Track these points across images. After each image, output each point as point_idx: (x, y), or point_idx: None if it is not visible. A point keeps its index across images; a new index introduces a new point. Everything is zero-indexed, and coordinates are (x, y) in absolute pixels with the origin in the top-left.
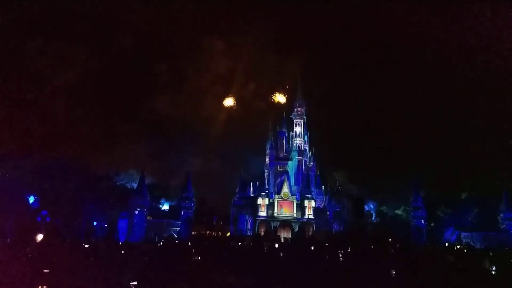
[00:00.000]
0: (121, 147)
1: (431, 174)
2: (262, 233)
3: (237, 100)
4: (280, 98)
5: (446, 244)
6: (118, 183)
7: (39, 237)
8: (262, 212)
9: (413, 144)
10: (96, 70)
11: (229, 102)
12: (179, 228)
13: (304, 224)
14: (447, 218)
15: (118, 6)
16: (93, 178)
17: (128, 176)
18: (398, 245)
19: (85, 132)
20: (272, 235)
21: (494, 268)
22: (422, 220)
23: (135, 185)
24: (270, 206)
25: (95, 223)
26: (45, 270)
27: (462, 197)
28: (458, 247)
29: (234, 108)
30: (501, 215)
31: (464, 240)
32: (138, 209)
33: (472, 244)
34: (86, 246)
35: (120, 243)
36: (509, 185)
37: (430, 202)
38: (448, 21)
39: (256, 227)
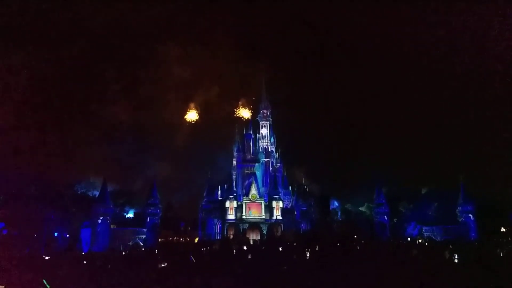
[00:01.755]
0: (80, 155)
1: (392, 171)
2: (231, 236)
3: (201, 105)
4: (244, 113)
5: (409, 239)
6: (79, 192)
7: None
8: (231, 215)
9: (374, 142)
10: (46, 75)
11: (192, 106)
12: (145, 236)
13: (272, 225)
14: (409, 213)
15: (71, 10)
16: (52, 187)
17: (90, 184)
18: (363, 241)
19: (39, 140)
20: (241, 238)
21: (456, 257)
22: (385, 216)
23: (97, 193)
24: (239, 208)
25: (56, 234)
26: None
27: (422, 192)
28: (420, 241)
29: (198, 112)
30: (459, 208)
31: (425, 234)
32: (101, 218)
33: (433, 237)
34: (46, 258)
35: (83, 253)
36: (466, 179)
37: (392, 198)
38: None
39: (225, 231)
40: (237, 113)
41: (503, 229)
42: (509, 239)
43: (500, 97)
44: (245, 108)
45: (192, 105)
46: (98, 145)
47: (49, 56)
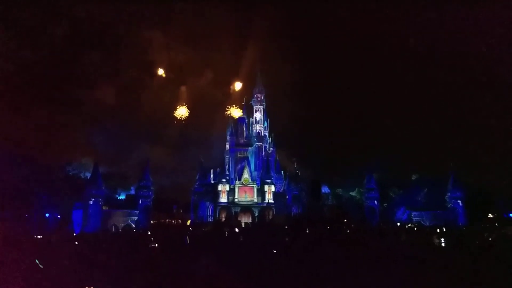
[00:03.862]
0: (71, 136)
1: (383, 157)
2: (223, 219)
3: (194, 88)
4: (238, 85)
5: (398, 224)
6: (71, 173)
7: None
8: (223, 199)
9: (367, 128)
10: (31, 59)
11: (184, 89)
12: (137, 218)
13: (264, 208)
14: (399, 199)
15: None
16: (43, 168)
17: (81, 165)
18: (353, 225)
19: (27, 121)
20: (233, 221)
21: (443, 241)
22: (375, 201)
23: (89, 175)
24: (231, 192)
25: (47, 215)
26: None
27: (413, 178)
28: (409, 225)
29: (191, 96)
30: (448, 194)
31: (414, 219)
32: (93, 199)
33: (422, 222)
34: (39, 237)
35: (74, 234)
36: (456, 166)
37: (383, 184)
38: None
39: (217, 214)
40: (232, 87)
41: (490, 215)
42: (496, 225)
43: (490, 87)
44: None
45: (184, 88)
46: (90, 127)
47: (34, 40)
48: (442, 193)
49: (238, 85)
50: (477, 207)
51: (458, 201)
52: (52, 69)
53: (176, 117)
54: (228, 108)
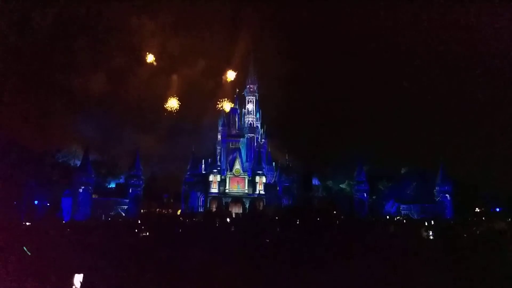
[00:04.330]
0: (61, 124)
1: (373, 150)
2: (214, 209)
3: (186, 77)
4: (231, 75)
5: (387, 217)
6: (60, 160)
7: None
8: (214, 189)
9: (358, 122)
10: (18, 46)
11: (175, 78)
12: (127, 206)
13: (255, 199)
14: (388, 192)
15: None
16: (32, 156)
17: (71, 153)
18: (342, 216)
19: (16, 109)
20: (224, 211)
21: (431, 233)
22: (365, 194)
23: (78, 163)
24: (222, 182)
25: (36, 202)
26: None
27: (402, 171)
28: (398, 218)
29: (182, 85)
30: (437, 188)
31: (403, 212)
32: (83, 187)
33: (410, 215)
34: (28, 224)
35: (64, 222)
36: (445, 160)
37: (373, 177)
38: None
39: (208, 204)
40: (225, 77)
41: (477, 210)
42: (483, 218)
43: (479, 82)
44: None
45: (175, 77)
46: (79, 114)
47: (21, 27)
48: (430, 187)
49: (230, 74)
50: (465, 201)
51: (446, 195)
52: (40, 56)
53: (166, 109)
54: (220, 101)
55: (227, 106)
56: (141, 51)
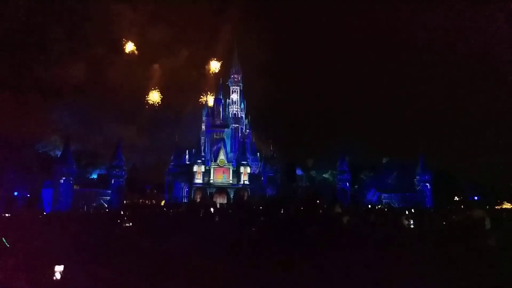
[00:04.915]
0: (39, 115)
1: (356, 141)
2: (198, 200)
3: (168, 67)
4: (214, 65)
5: (369, 206)
6: (40, 151)
7: None
8: (198, 179)
9: (340, 113)
10: None
11: (156, 68)
12: (109, 197)
13: (239, 189)
14: (369, 181)
15: None
16: (11, 146)
17: (51, 143)
18: (325, 205)
19: None
20: (208, 201)
21: (412, 222)
22: (347, 183)
23: (59, 153)
24: (206, 173)
25: (16, 193)
26: None
27: (383, 161)
28: (379, 206)
29: (164, 75)
30: (417, 177)
31: (384, 201)
32: (64, 178)
33: (391, 204)
34: (7, 215)
35: (45, 213)
36: (425, 150)
37: (355, 167)
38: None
39: (192, 194)
40: (208, 68)
41: (456, 198)
42: (462, 207)
43: (460, 70)
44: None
45: (156, 66)
46: (58, 105)
47: None
48: (411, 177)
49: (214, 65)
50: (444, 190)
51: (427, 184)
52: (14, 46)
53: (148, 102)
54: (203, 95)
55: (210, 100)
56: (120, 40)
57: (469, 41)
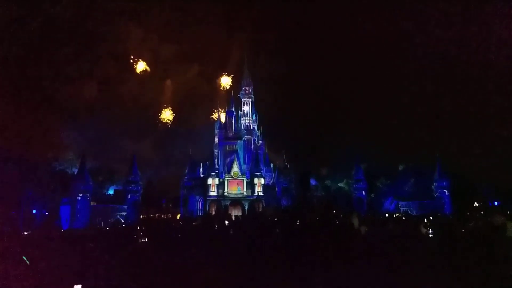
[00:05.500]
0: (55, 133)
1: (371, 148)
2: (213, 213)
3: (180, 82)
4: (225, 81)
5: (386, 214)
6: (57, 169)
7: None
8: (213, 192)
9: (354, 120)
10: (4, 57)
11: (169, 83)
12: (126, 213)
13: (254, 201)
14: (386, 189)
15: None
16: (29, 164)
17: (68, 161)
18: (341, 215)
19: (8, 120)
20: (223, 214)
21: (430, 230)
22: (363, 192)
23: (76, 170)
24: (221, 185)
25: (34, 211)
26: None
27: (400, 168)
28: (397, 215)
29: (177, 90)
30: (435, 184)
31: (402, 209)
32: (81, 195)
33: (409, 212)
34: (26, 233)
35: (63, 230)
36: (442, 155)
37: (371, 175)
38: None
39: (207, 207)
40: (219, 83)
41: (476, 204)
42: (482, 212)
43: (476, 76)
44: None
45: (169, 82)
46: (73, 123)
47: (8, 37)
48: (428, 183)
49: (225, 80)
50: (463, 196)
51: (445, 190)
52: (26, 66)
53: (161, 121)
54: (214, 111)
55: (222, 116)
56: (131, 58)
57: (488, 40)
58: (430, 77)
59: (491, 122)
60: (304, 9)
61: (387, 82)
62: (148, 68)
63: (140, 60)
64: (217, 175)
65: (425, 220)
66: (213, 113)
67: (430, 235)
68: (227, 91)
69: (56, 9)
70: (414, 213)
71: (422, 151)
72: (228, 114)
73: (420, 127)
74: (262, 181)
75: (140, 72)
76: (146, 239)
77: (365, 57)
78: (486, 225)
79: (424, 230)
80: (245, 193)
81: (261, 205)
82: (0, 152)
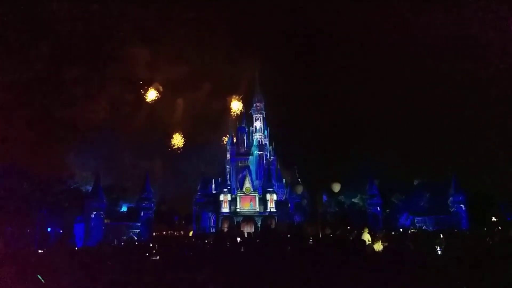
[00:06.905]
0: (68, 153)
1: (385, 163)
2: (226, 229)
3: (193, 99)
4: (236, 106)
5: (401, 230)
6: (72, 187)
7: None
8: (225, 208)
9: (367, 135)
10: (19, 76)
11: (180, 102)
12: (139, 230)
13: (266, 217)
14: (401, 204)
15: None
16: (43, 182)
17: (82, 179)
18: (355, 231)
19: (23, 140)
20: (235, 230)
21: (447, 246)
22: (378, 207)
23: (90, 188)
24: (233, 202)
25: (49, 229)
26: None
27: (415, 183)
28: (412, 230)
29: (188, 108)
30: (451, 198)
31: (417, 224)
32: (95, 213)
33: (426, 227)
34: (40, 251)
35: (76, 248)
36: (457, 169)
37: (385, 190)
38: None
39: (219, 224)
40: (232, 112)
41: (494, 219)
42: (499, 228)
43: (492, 87)
44: (238, 101)
45: (180, 101)
46: (84, 143)
47: (22, 58)
48: (444, 197)
49: (235, 105)
50: (480, 211)
51: (461, 205)
52: (39, 87)
53: (172, 146)
54: (224, 138)
55: (233, 132)
56: (142, 81)
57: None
58: (447, 92)
59: (509, 135)
60: (315, 24)
61: (402, 98)
62: (159, 94)
63: (150, 89)
64: (229, 191)
65: (441, 236)
66: (224, 138)
67: (443, 252)
68: (238, 104)
69: (67, 28)
70: (430, 228)
71: (436, 166)
72: (240, 130)
73: (435, 141)
74: (275, 197)
75: (151, 101)
76: (158, 257)
77: (379, 70)
78: (504, 240)
79: (439, 247)
80: (257, 209)
81: (274, 221)
82: (17, 171)
